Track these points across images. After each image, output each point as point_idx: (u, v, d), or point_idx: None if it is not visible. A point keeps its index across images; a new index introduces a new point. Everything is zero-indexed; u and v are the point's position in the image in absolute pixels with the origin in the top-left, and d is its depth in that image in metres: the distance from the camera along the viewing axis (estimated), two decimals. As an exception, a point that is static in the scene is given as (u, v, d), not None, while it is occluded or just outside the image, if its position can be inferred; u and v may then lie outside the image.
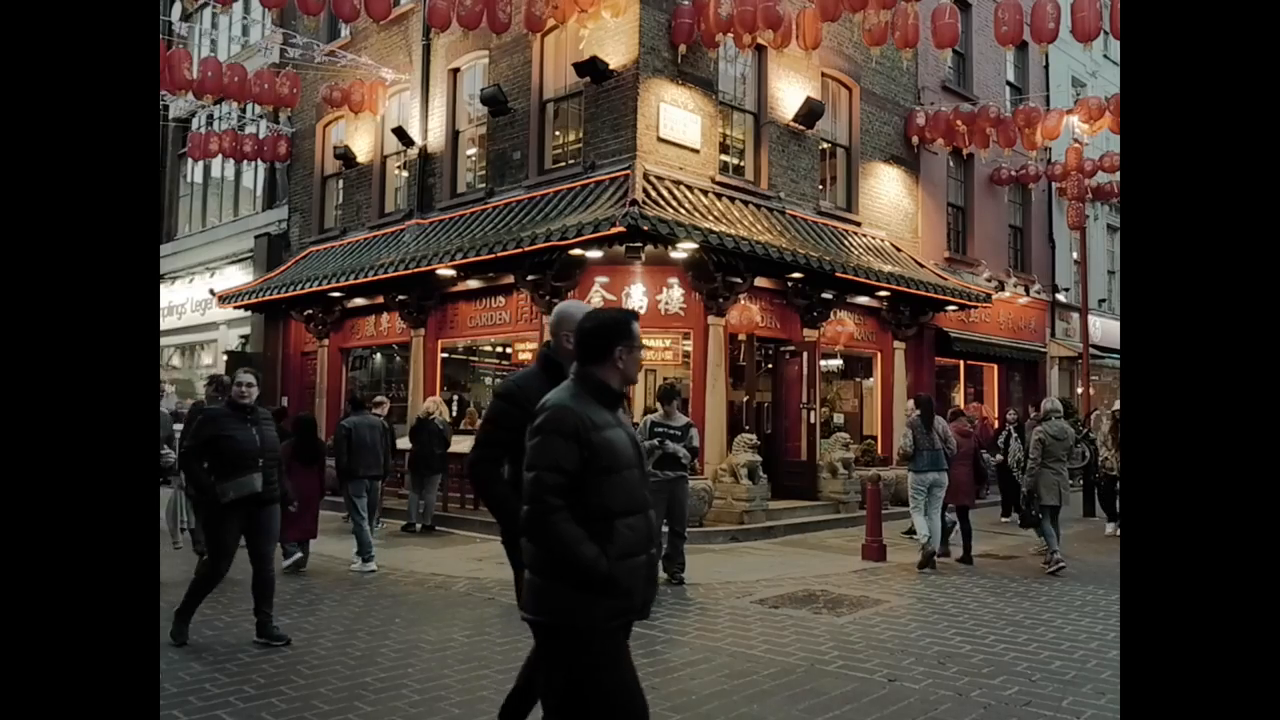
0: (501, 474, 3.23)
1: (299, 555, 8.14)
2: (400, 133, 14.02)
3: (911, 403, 9.41)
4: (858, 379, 15.10)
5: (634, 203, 10.19)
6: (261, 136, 16.35)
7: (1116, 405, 10.55)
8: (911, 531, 9.32)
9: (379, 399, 10.38)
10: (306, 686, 4.72)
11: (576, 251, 10.82)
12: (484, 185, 13.35)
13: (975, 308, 15.46)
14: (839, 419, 14.21)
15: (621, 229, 9.70)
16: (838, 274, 11.96)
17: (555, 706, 2.62)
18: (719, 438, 11.39)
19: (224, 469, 5.38)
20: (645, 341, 13.55)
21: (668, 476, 7.71)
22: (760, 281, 12.07)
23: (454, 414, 13.83)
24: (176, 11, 20.07)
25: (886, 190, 15.11)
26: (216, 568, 5.44)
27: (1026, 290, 18.26)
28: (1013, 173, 17.56)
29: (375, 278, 12.58)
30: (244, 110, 16.55)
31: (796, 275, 12.11)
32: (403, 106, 14.72)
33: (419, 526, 10.76)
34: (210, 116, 18.49)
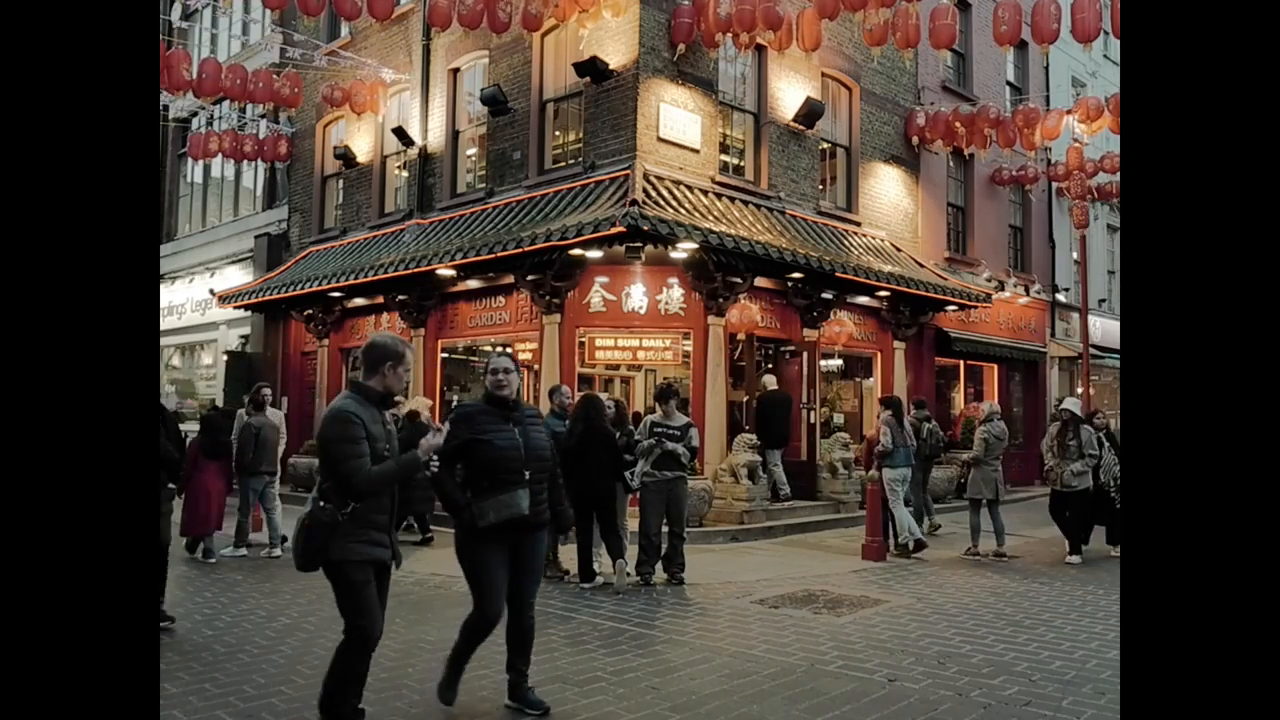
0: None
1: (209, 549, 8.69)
2: (400, 133, 14.02)
3: (880, 404, 10.25)
4: (858, 379, 15.10)
5: (634, 203, 10.19)
6: (261, 136, 16.34)
7: (1067, 402, 10.07)
8: (918, 544, 9.35)
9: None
10: (306, 686, 4.71)
11: (576, 251, 10.82)
12: (484, 185, 13.35)
13: (975, 308, 15.47)
14: (839, 419, 14.21)
15: (621, 229, 9.70)
16: (838, 274, 11.96)
17: None
18: (719, 438, 11.40)
19: (481, 483, 4.14)
20: (646, 341, 13.52)
21: (666, 476, 7.70)
22: (760, 281, 12.08)
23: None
24: (177, 11, 20.06)
25: (886, 190, 15.12)
26: (486, 611, 4.16)
27: (1026, 290, 18.26)
28: (1013, 173, 17.55)
29: (375, 278, 12.58)
30: (244, 110, 16.54)
31: (796, 275, 12.11)
32: (403, 106, 14.72)
33: (417, 527, 10.75)
34: (210, 117, 18.48)
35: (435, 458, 3.82)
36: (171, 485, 6.14)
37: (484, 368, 4.30)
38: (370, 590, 3.64)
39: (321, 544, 3.54)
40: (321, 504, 3.55)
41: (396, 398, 3.91)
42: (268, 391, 9.71)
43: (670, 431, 7.76)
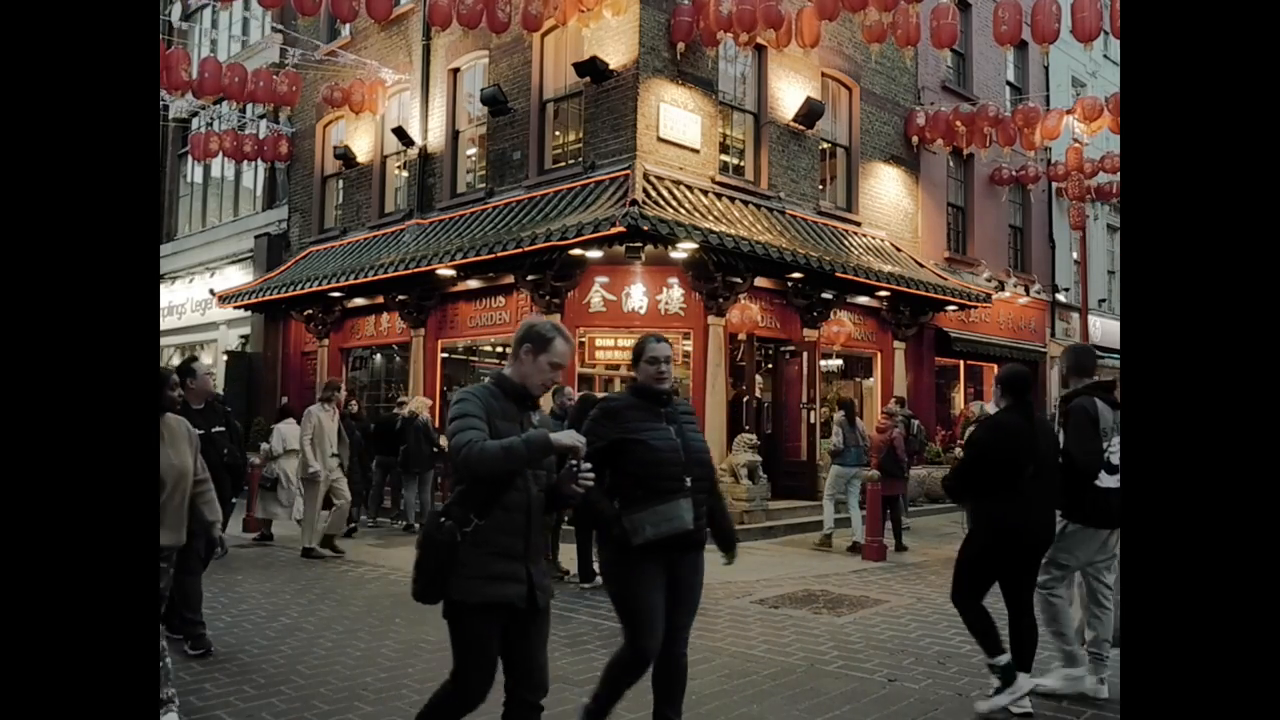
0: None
1: None
2: (400, 133, 14.02)
3: (838, 404, 10.72)
4: (858, 379, 15.09)
5: (634, 203, 10.19)
6: (261, 136, 16.34)
7: (976, 405, 10.13)
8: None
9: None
10: (306, 686, 4.72)
11: (576, 251, 10.82)
12: (484, 185, 13.35)
13: (975, 308, 15.47)
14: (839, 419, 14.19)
15: (621, 229, 9.70)
16: (838, 274, 11.96)
17: None
18: (719, 438, 11.40)
19: (634, 492, 3.38)
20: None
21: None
22: (760, 281, 12.07)
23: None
24: (176, 11, 20.06)
25: (886, 190, 15.12)
26: (642, 645, 3.41)
27: (1026, 290, 18.26)
28: (1012, 173, 17.55)
29: (375, 278, 12.58)
30: (244, 110, 16.54)
31: (796, 275, 12.11)
32: (403, 106, 14.72)
33: (418, 526, 10.78)
34: (210, 117, 18.48)
35: (581, 462, 2.90)
36: (234, 500, 6.03)
37: (635, 348, 3.61)
38: (489, 645, 2.90)
39: (438, 571, 2.83)
40: (442, 519, 2.87)
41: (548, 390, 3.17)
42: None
43: None
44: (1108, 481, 4.49)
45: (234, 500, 6.58)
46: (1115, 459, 4.50)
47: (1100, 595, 4.63)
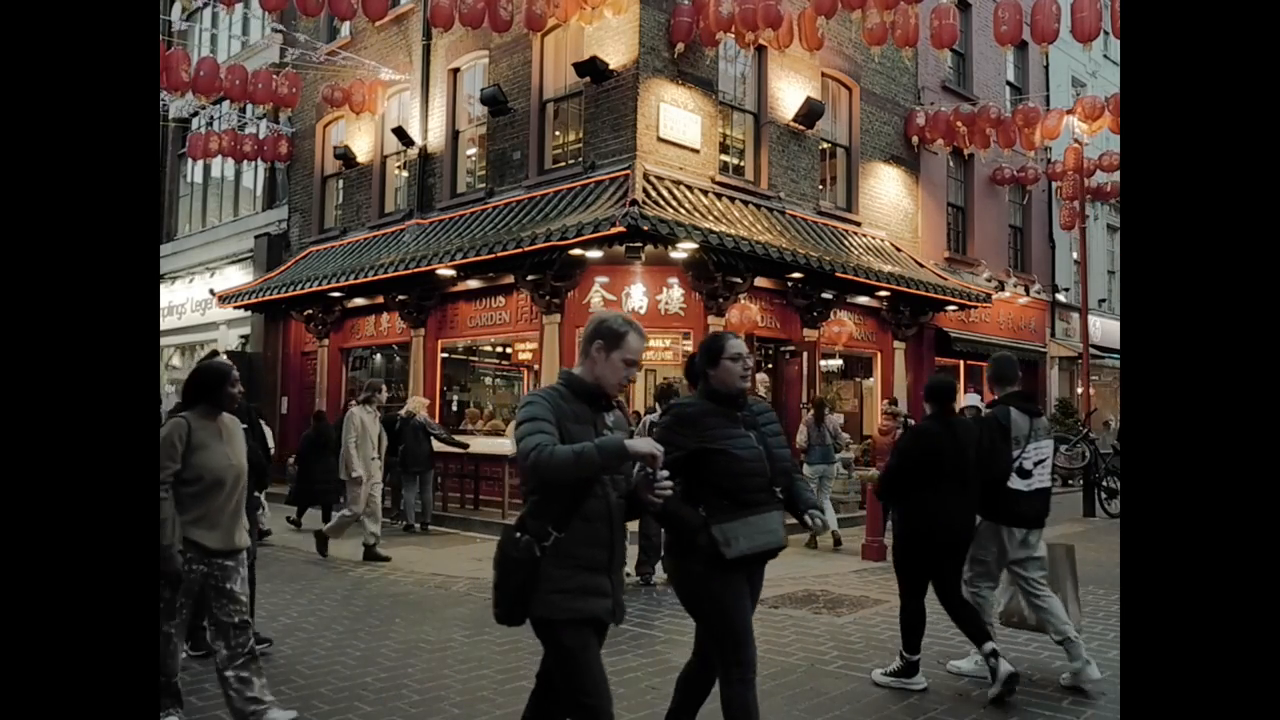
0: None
1: None
2: (400, 133, 14.02)
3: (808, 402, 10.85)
4: (858, 379, 15.10)
5: (634, 203, 10.19)
6: (261, 136, 16.35)
7: (885, 405, 10.17)
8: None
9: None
10: (306, 686, 4.72)
11: (576, 251, 10.82)
12: (484, 185, 13.35)
13: (975, 308, 15.47)
14: (839, 419, 14.19)
15: (621, 229, 9.70)
16: (838, 274, 11.96)
17: None
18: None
19: (719, 503, 3.12)
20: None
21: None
22: (760, 281, 12.08)
23: (453, 414, 13.84)
24: (176, 11, 20.06)
25: (886, 190, 15.12)
26: (746, 659, 3.15)
27: (1026, 290, 18.26)
28: (1012, 173, 17.56)
29: (375, 278, 12.58)
30: (244, 110, 16.54)
31: (796, 275, 12.11)
32: (403, 106, 14.72)
33: (418, 526, 10.79)
34: (210, 117, 18.48)
35: (660, 471, 2.68)
36: (257, 494, 5.82)
37: (708, 346, 3.27)
38: (592, 657, 2.72)
39: (518, 589, 2.67)
40: (517, 535, 2.69)
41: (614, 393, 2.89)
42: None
43: None
44: (1018, 484, 4.79)
45: (259, 499, 6.50)
46: (1028, 464, 4.82)
47: (1034, 595, 4.84)
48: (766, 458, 3.20)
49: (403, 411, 11.16)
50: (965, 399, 9.53)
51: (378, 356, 15.44)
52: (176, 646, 3.98)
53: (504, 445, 11.67)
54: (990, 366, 5.23)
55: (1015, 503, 4.77)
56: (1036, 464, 4.82)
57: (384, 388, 9.70)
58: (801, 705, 4.46)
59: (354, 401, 9.64)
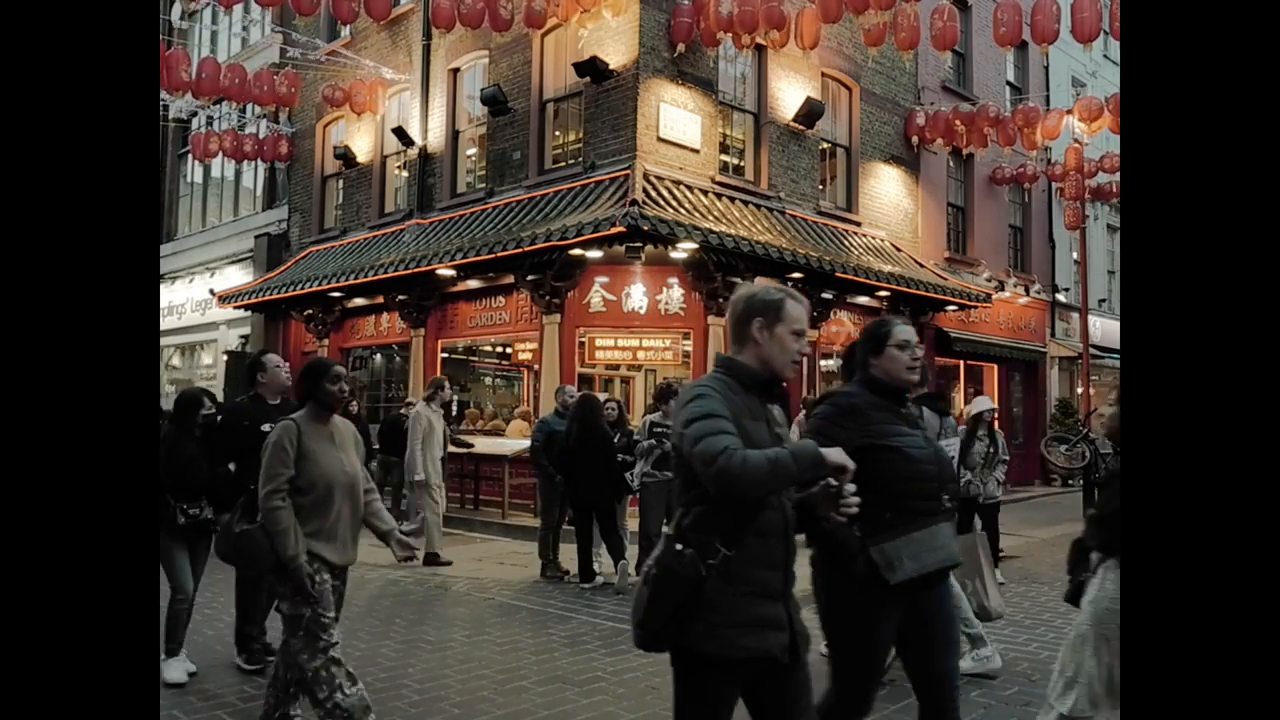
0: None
1: None
2: (400, 133, 14.03)
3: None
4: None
5: (634, 203, 10.20)
6: (261, 136, 16.35)
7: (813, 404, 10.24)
8: None
9: None
10: (306, 686, 4.71)
11: (576, 251, 10.82)
12: (484, 185, 13.35)
13: (975, 308, 15.47)
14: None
15: (621, 229, 9.70)
16: (838, 274, 11.97)
17: None
18: (719, 438, 11.38)
19: (880, 514, 2.63)
20: (646, 341, 13.48)
21: (666, 476, 7.69)
22: (760, 281, 12.07)
23: (453, 414, 13.83)
24: (176, 11, 20.06)
25: (886, 190, 15.12)
26: (855, 703, 2.78)
27: (1026, 290, 18.26)
28: (1012, 173, 17.56)
29: (375, 278, 12.58)
30: (244, 110, 16.55)
31: (796, 275, 12.10)
32: (403, 106, 14.72)
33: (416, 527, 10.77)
34: (210, 117, 18.49)
35: (849, 485, 2.28)
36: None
37: (872, 332, 2.94)
38: (726, 710, 2.27)
39: (675, 611, 2.18)
40: (679, 547, 2.21)
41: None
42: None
43: (670, 432, 7.73)
44: None
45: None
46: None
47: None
48: (941, 461, 2.78)
49: (410, 412, 11.17)
50: (976, 404, 9.33)
51: (378, 357, 15.44)
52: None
53: (504, 445, 11.67)
54: None
55: None
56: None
57: (447, 384, 9.40)
58: (801, 705, 4.46)
59: (416, 402, 9.59)
